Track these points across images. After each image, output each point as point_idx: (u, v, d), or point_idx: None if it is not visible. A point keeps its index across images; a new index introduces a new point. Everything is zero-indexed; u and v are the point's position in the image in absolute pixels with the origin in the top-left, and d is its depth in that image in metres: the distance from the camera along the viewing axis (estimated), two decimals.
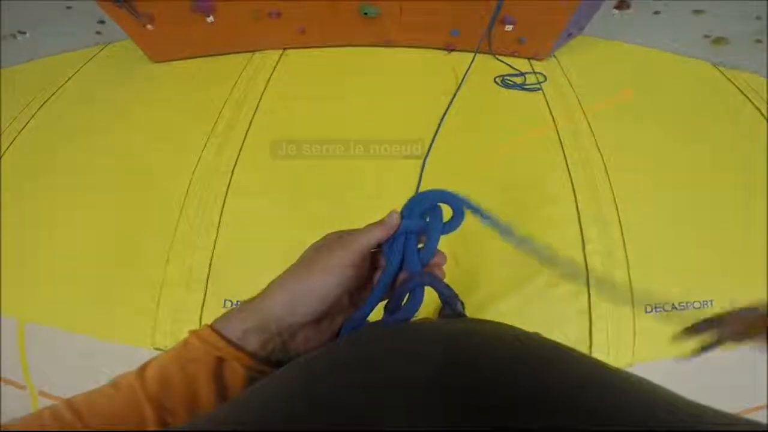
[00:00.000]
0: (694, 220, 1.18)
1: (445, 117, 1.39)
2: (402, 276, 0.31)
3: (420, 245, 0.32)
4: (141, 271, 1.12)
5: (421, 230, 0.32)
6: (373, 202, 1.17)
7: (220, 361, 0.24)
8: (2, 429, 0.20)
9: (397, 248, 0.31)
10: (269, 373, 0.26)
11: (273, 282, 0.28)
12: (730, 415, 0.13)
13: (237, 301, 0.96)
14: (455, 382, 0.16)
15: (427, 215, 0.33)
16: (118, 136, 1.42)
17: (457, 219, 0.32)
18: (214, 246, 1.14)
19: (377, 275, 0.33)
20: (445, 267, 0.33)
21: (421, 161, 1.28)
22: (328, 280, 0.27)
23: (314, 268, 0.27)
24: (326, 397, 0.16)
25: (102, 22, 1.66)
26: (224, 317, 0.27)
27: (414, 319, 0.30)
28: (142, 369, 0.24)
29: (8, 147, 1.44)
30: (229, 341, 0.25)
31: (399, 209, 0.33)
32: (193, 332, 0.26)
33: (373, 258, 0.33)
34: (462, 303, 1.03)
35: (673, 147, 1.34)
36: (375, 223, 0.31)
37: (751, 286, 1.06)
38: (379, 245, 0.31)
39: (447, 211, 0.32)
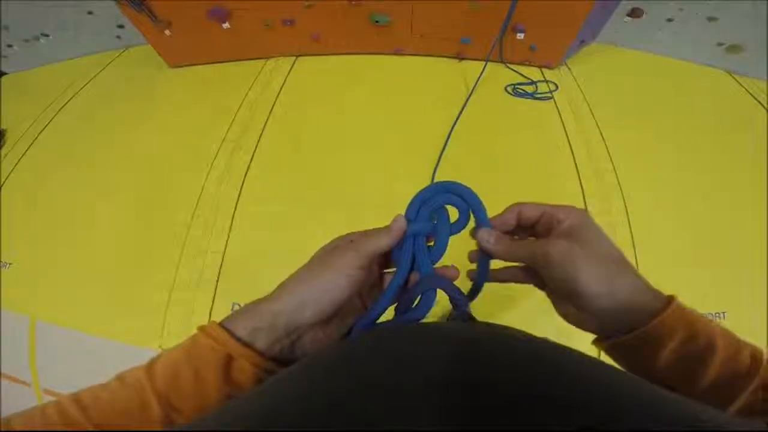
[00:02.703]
0: (709, 230, 1.16)
1: (456, 126, 1.39)
2: (413, 277, 0.31)
3: (430, 243, 0.33)
4: (152, 273, 1.13)
5: (429, 232, 0.32)
6: (383, 209, 1.16)
7: (229, 358, 0.24)
8: (4, 424, 0.19)
9: (406, 251, 0.31)
10: (277, 370, 0.25)
11: (283, 282, 0.28)
12: (726, 414, 0.14)
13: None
14: (474, 382, 0.16)
15: (433, 216, 0.33)
16: (135, 139, 1.46)
17: (463, 220, 0.33)
18: (225, 250, 1.16)
19: (388, 277, 0.33)
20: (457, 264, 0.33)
21: (432, 169, 1.28)
22: (338, 282, 0.27)
23: (324, 269, 0.28)
24: (342, 397, 0.16)
25: (121, 26, 1.70)
26: (233, 316, 0.26)
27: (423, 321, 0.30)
28: (151, 365, 0.24)
29: (28, 148, 1.48)
30: (238, 339, 0.25)
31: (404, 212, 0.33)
32: (201, 328, 0.25)
33: (384, 258, 0.33)
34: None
35: (687, 156, 1.32)
36: (382, 229, 0.31)
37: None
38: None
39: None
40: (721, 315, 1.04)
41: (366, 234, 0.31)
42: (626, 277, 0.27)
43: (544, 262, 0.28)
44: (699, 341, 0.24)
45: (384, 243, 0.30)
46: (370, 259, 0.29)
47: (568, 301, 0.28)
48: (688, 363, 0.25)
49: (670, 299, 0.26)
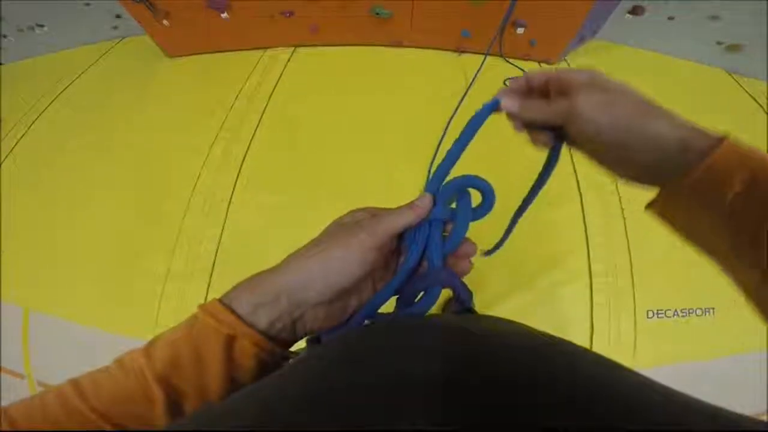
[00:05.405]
0: None
1: (454, 118, 1.39)
2: (422, 268, 0.30)
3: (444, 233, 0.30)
4: (146, 263, 1.13)
5: (448, 219, 0.30)
6: (380, 201, 1.18)
7: (230, 338, 0.23)
8: (4, 416, 0.19)
9: (420, 237, 0.29)
10: (278, 351, 0.25)
11: (290, 256, 0.27)
12: (738, 414, 0.13)
13: None
14: (475, 379, 0.16)
15: (453, 201, 0.30)
16: (131, 129, 1.45)
17: (487, 205, 0.30)
18: (220, 240, 1.16)
19: (400, 261, 0.31)
20: (473, 259, 0.31)
21: (429, 162, 1.28)
22: (349, 261, 0.26)
23: (335, 246, 0.26)
24: (343, 393, 0.16)
25: (119, 16, 1.69)
26: (235, 290, 0.25)
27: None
28: (150, 346, 0.23)
29: (21, 137, 1.47)
30: (239, 317, 0.24)
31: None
32: (201, 307, 0.24)
33: (399, 241, 0.30)
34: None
35: None
36: (406, 205, 0.29)
37: None
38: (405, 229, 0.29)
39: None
40: (711, 311, 1.05)
41: (384, 210, 0.29)
42: (659, 112, 0.26)
43: (572, 114, 0.26)
44: (764, 183, 0.22)
45: (405, 220, 0.28)
46: (386, 238, 0.27)
47: (607, 153, 0.27)
48: (759, 211, 0.22)
49: (723, 136, 0.24)
